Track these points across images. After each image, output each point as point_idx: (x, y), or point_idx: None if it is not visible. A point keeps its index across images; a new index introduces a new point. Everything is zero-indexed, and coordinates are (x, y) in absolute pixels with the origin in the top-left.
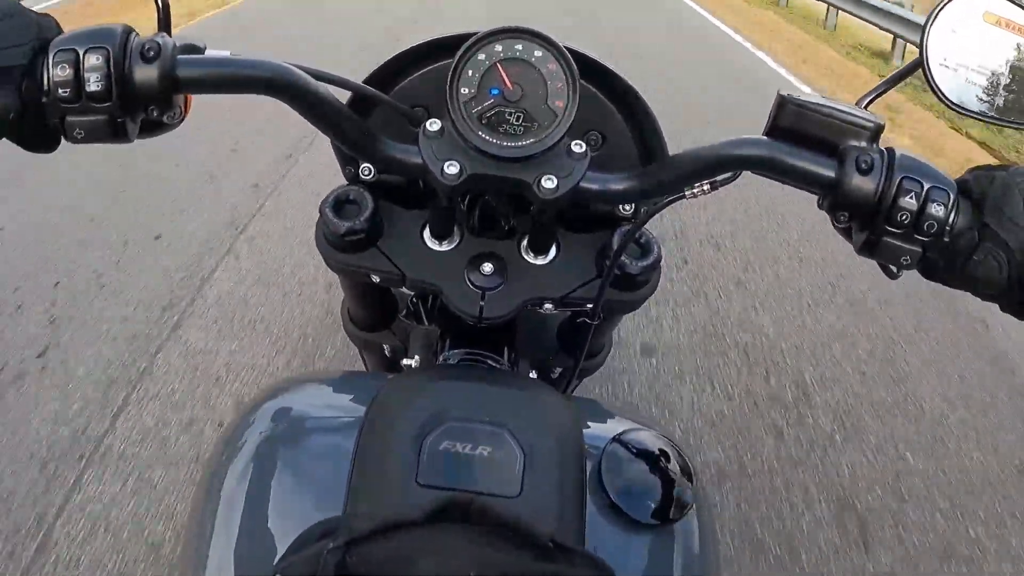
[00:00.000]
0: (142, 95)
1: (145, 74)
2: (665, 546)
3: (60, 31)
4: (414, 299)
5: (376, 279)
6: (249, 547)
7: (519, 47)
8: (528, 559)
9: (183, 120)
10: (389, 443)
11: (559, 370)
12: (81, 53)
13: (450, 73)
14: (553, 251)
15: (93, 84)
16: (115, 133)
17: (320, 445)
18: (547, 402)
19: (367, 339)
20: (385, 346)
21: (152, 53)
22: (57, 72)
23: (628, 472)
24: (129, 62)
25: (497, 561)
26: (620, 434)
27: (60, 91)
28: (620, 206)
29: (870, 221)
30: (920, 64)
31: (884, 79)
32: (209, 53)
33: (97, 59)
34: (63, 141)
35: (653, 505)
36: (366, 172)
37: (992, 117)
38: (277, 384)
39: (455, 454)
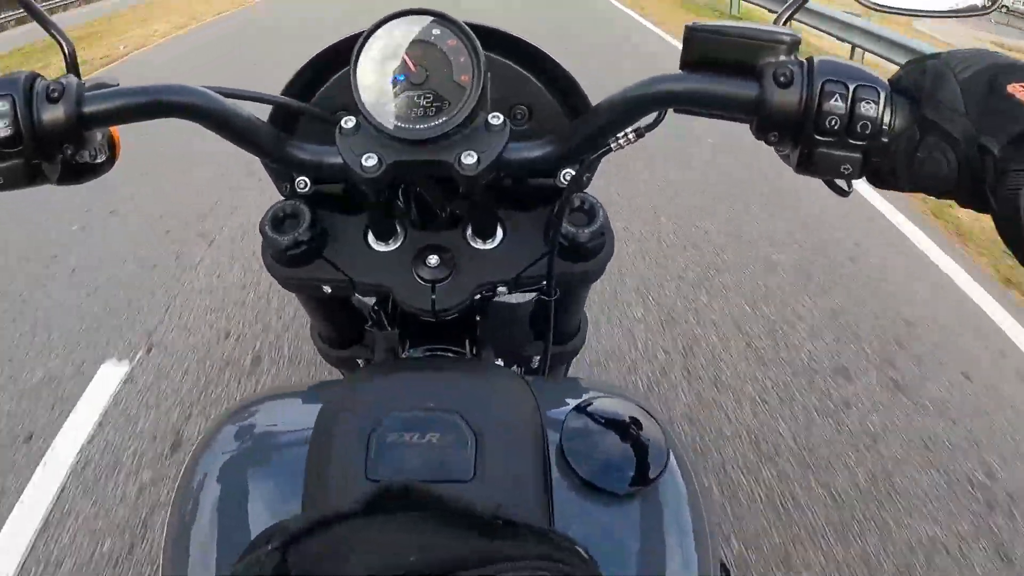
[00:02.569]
0: (52, 135)
1: (52, 114)
2: (649, 509)
3: None
4: (375, 307)
5: (327, 289)
6: (214, 561)
7: (417, 28)
8: (472, 539)
9: (114, 161)
10: (336, 442)
11: (537, 359)
12: None
13: (351, 66)
14: (500, 234)
15: (1, 131)
16: (32, 176)
17: (278, 455)
18: (499, 383)
19: (339, 356)
20: (359, 360)
21: (56, 94)
22: None
23: (596, 444)
24: (36, 105)
25: (438, 544)
26: (578, 404)
27: None
28: (560, 176)
29: (800, 134)
30: None
31: None
32: (121, 87)
33: (2, 106)
34: None
35: (629, 473)
36: (301, 185)
37: (911, 10)
38: (240, 403)
39: (403, 444)
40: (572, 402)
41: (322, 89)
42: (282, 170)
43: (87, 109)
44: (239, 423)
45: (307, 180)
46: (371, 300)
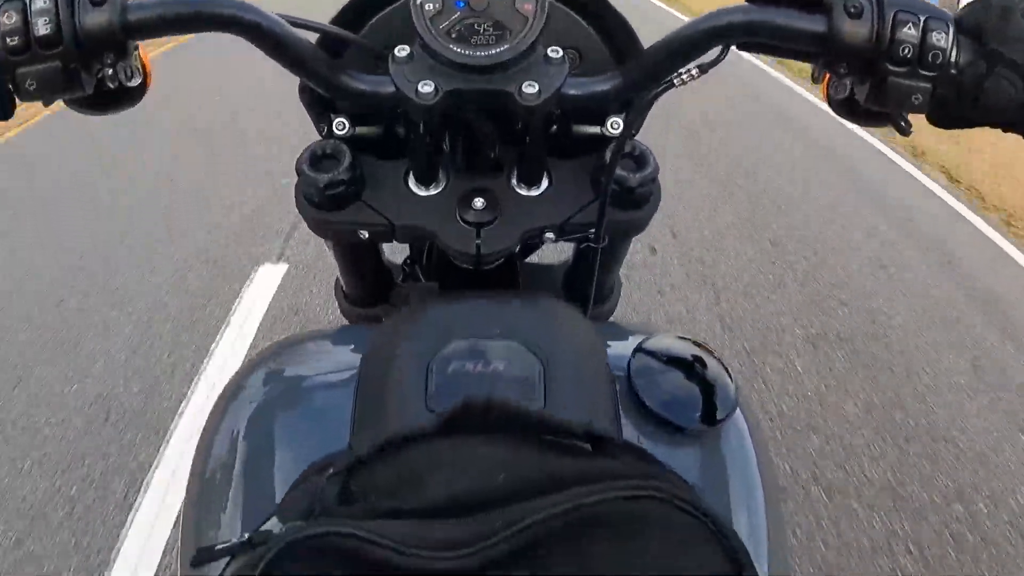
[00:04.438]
0: (94, 41)
1: (95, 19)
2: (716, 449)
3: None
4: (408, 261)
5: (364, 234)
6: (253, 496)
7: None
8: (567, 457)
9: (145, 89)
10: (392, 371)
11: None
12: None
13: None
14: (545, 181)
15: (42, 28)
16: (69, 82)
17: (322, 388)
18: (560, 313)
19: (365, 315)
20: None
21: None
22: (3, 20)
23: (663, 379)
24: (78, 6)
25: (529, 462)
26: (644, 341)
27: (8, 40)
28: (609, 125)
29: (872, 66)
30: None
31: None
32: None
33: (44, 2)
34: (16, 103)
35: (697, 411)
36: (340, 127)
37: None
38: (275, 345)
39: (466, 373)
40: (635, 339)
41: (371, 23)
42: (321, 110)
43: (132, 17)
44: (273, 365)
45: (346, 121)
46: (403, 257)
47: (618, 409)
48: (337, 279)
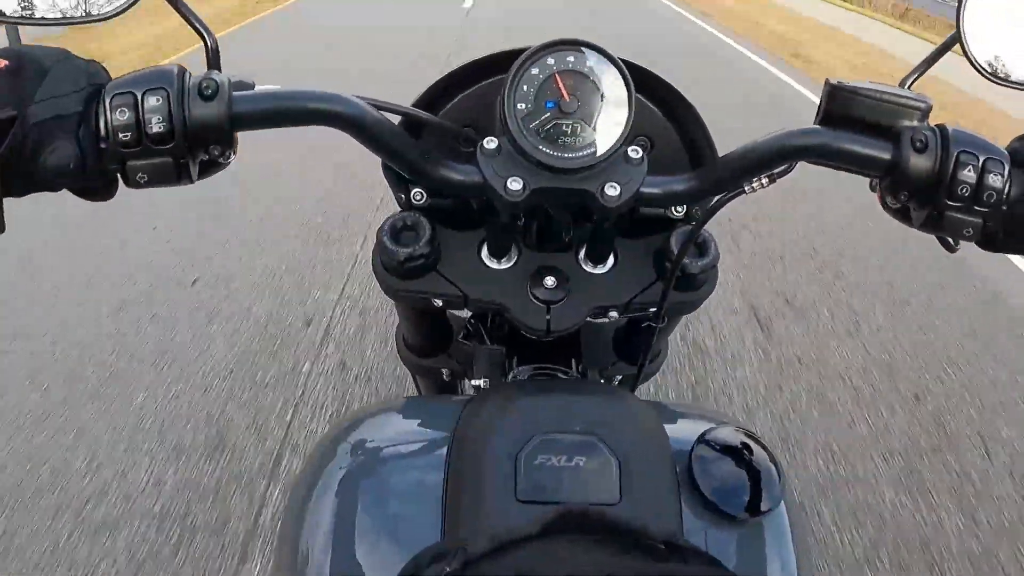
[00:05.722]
0: (204, 134)
1: (205, 112)
2: (759, 537)
3: (109, 76)
4: (472, 320)
5: (438, 303)
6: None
7: (571, 59)
8: (646, 562)
9: (234, 157)
10: (483, 462)
11: (619, 378)
12: (140, 95)
13: (506, 89)
14: (611, 259)
15: (155, 126)
16: (178, 175)
17: (408, 471)
18: (631, 407)
19: (424, 365)
20: (443, 370)
21: (210, 91)
22: (116, 116)
23: (718, 469)
24: (188, 102)
25: (618, 567)
26: (705, 432)
27: (120, 135)
28: (673, 208)
29: (931, 197)
30: (957, 39)
31: (922, 60)
32: (259, 88)
33: (157, 100)
34: (121, 187)
35: (745, 499)
36: (418, 197)
37: None
38: (351, 416)
39: (551, 467)
40: (690, 427)
41: (451, 104)
42: (399, 180)
43: (238, 109)
44: (358, 436)
45: (423, 192)
46: (466, 314)
47: (680, 498)
48: (399, 327)
